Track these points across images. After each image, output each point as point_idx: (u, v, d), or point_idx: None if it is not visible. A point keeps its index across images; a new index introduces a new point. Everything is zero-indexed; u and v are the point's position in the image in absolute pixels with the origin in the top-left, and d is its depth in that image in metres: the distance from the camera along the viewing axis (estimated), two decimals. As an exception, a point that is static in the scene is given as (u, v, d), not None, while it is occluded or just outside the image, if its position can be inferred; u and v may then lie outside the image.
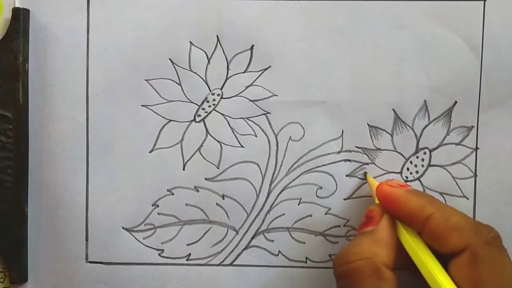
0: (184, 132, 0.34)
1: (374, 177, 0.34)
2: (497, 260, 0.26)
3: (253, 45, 0.33)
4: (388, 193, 0.30)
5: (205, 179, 0.34)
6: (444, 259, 0.28)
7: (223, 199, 0.34)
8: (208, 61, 0.34)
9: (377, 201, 0.31)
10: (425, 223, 0.28)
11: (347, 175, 0.34)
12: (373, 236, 0.28)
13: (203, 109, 0.34)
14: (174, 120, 0.34)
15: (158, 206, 0.34)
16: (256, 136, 0.34)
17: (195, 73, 0.34)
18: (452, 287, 0.26)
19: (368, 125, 0.34)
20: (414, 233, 0.29)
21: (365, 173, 0.34)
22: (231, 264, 0.34)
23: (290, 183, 0.34)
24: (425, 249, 0.28)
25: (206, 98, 0.34)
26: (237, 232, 0.34)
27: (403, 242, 0.29)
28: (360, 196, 0.34)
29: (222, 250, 0.34)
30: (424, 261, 0.27)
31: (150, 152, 0.34)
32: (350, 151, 0.34)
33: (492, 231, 0.27)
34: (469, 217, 0.28)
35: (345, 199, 0.34)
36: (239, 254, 0.34)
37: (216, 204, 0.34)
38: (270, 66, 0.34)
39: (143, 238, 0.34)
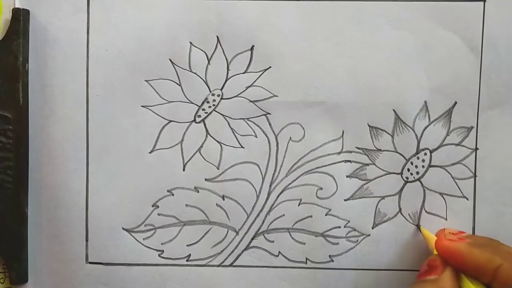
0: (184, 133, 0.34)
1: (375, 178, 0.34)
2: None
3: (253, 46, 0.33)
4: (450, 249, 0.29)
5: (205, 179, 0.34)
6: None
7: (223, 199, 0.34)
8: (208, 62, 0.34)
9: (435, 252, 0.30)
10: (495, 276, 0.27)
11: (347, 176, 0.34)
12: (437, 285, 0.28)
13: (203, 109, 0.34)
14: (174, 121, 0.34)
15: (158, 206, 0.34)
16: (256, 136, 0.34)
17: (195, 73, 0.34)
18: None
19: (369, 125, 0.34)
20: (480, 285, 0.28)
21: (418, 226, 0.33)
22: (231, 265, 0.34)
23: (290, 183, 0.34)
24: None
25: (206, 98, 0.34)
26: (237, 233, 0.34)
27: None
28: (360, 197, 0.34)
29: (222, 251, 0.34)
30: None
31: (150, 152, 0.34)
32: (350, 151, 0.34)
33: None
34: None
35: (345, 200, 0.34)
36: (239, 255, 0.34)
37: (216, 204, 0.34)
38: (270, 67, 0.34)
39: (143, 239, 0.34)
